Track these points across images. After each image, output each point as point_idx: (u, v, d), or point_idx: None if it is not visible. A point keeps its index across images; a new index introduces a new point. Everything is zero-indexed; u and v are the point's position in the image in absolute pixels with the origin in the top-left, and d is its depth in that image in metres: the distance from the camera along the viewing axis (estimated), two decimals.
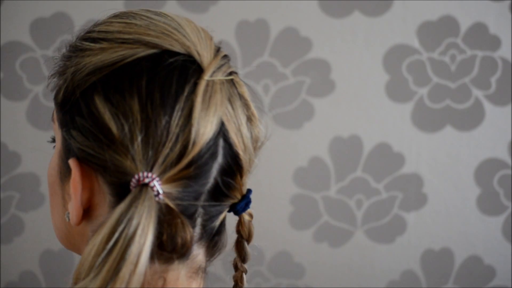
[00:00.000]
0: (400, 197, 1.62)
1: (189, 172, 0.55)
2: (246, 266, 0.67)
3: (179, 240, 0.55)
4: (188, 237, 0.56)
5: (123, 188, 0.55)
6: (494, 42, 1.58)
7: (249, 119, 0.60)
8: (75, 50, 0.60)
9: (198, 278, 0.60)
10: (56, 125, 0.62)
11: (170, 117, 0.55)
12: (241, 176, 0.59)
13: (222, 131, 0.57)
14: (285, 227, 1.61)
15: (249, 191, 0.61)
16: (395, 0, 1.56)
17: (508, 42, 1.58)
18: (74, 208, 0.58)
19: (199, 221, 0.58)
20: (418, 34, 1.57)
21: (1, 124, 1.55)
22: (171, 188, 0.55)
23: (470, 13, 1.57)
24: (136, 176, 0.54)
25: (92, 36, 0.60)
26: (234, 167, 0.58)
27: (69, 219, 0.60)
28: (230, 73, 0.60)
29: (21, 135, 1.56)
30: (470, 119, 1.61)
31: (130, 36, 0.58)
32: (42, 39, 1.53)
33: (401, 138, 1.60)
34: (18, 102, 1.55)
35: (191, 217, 0.57)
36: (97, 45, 0.58)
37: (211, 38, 0.61)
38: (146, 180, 0.53)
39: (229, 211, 0.61)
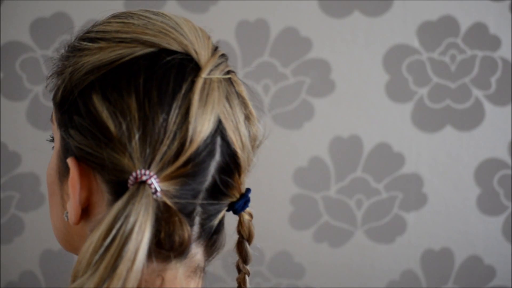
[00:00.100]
0: (400, 197, 1.62)
1: (186, 170, 0.55)
2: (248, 267, 0.67)
3: (177, 239, 0.55)
4: (186, 235, 0.56)
5: (121, 186, 0.55)
6: (494, 42, 1.58)
7: (247, 117, 0.60)
8: (73, 50, 0.60)
9: (197, 277, 0.60)
10: (55, 126, 0.62)
11: (168, 115, 0.55)
12: (239, 175, 0.59)
13: (219, 129, 0.57)
14: (285, 227, 1.61)
15: (248, 190, 0.61)
16: (395, 0, 1.56)
17: (508, 42, 1.58)
18: (72, 207, 0.58)
19: (197, 219, 0.58)
20: (418, 34, 1.57)
21: (1, 124, 1.55)
22: (169, 186, 0.55)
23: (470, 13, 1.57)
24: (134, 174, 0.54)
25: (90, 36, 0.60)
26: (232, 165, 0.58)
27: (67, 219, 0.60)
28: (228, 72, 0.60)
29: (21, 135, 1.56)
30: (470, 119, 1.61)
31: (128, 35, 0.59)
32: (42, 39, 1.53)
33: (401, 138, 1.60)
34: (18, 102, 1.55)
35: (189, 215, 0.57)
36: (95, 45, 0.59)
37: (208, 37, 0.61)
38: (144, 178, 0.53)
39: (228, 210, 0.61)
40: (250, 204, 0.62)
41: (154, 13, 0.61)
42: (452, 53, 1.58)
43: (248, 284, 0.67)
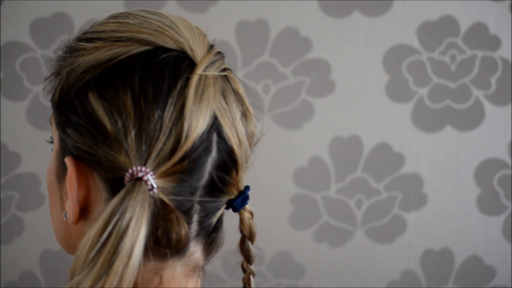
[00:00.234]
0: (400, 197, 1.62)
1: (183, 166, 0.55)
2: (252, 267, 0.67)
3: (174, 236, 0.55)
4: (183, 233, 0.56)
5: (118, 184, 0.55)
6: (494, 42, 1.58)
7: (244, 114, 0.60)
8: (70, 51, 0.61)
9: (195, 276, 0.60)
10: (53, 127, 0.62)
11: (163, 111, 0.55)
12: (237, 172, 0.59)
13: (215, 125, 0.57)
14: (285, 227, 1.61)
15: (246, 187, 0.61)
16: (395, 0, 1.56)
17: (508, 42, 1.58)
18: (71, 206, 0.58)
19: (195, 217, 0.58)
20: (418, 34, 1.57)
21: (1, 124, 1.55)
22: (166, 183, 0.55)
23: (470, 13, 1.57)
24: (130, 171, 0.54)
25: (87, 37, 0.61)
26: (229, 162, 0.58)
27: (66, 218, 0.60)
28: (224, 70, 0.60)
29: (21, 135, 1.56)
30: (470, 119, 1.61)
31: (124, 34, 0.59)
32: (42, 39, 1.53)
33: (401, 138, 1.60)
34: (18, 102, 1.55)
35: (187, 213, 0.57)
36: (91, 44, 0.59)
37: (204, 36, 0.62)
38: (140, 174, 0.54)
39: (227, 208, 0.61)
40: (250, 204, 0.62)
41: (150, 13, 0.62)
42: (452, 53, 1.58)
43: (253, 285, 0.67)
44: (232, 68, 0.63)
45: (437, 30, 1.58)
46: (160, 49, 0.58)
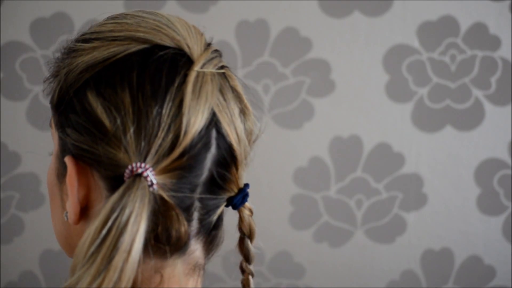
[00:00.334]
0: (400, 197, 1.62)
1: (182, 162, 0.55)
2: (252, 267, 0.66)
3: (174, 233, 0.56)
4: (183, 230, 0.56)
5: (117, 182, 0.55)
6: (494, 42, 1.58)
7: (242, 111, 0.60)
8: (68, 52, 0.61)
9: (196, 275, 0.60)
10: (53, 129, 0.63)
11: (161, 107, 0.55)
12: (237, 168, 0.59)
13: (214, 122, 0.57)
14: (285, 227, 1.61)
15: (246, 185, 0.61)
16: (395, 0, 1.56)
17: (508, 42, 1.58)
18: (71, 205, 0.58)
19: (196, 215, 0.58)
20: (418, 34, 1.57)
21: (1, 124, 1.55)
22: (165, 179, 0.55)
23: (470, 13, 1.57)
24: (130, 167, 0.54)
25: (85, 38, 0.61)
26: (228, 158, 0.58)
27: (67, 218, 0.60)
28: (222, 67, 0.60)
29: (21, 135, 1.56)
30: (470, 119, 1.61)
31: (121, 34, 0.59)
32: (42, 39, 1.53)
33: (401, 138, 1.60)
34: (18, 102, 1.55)
35: (188, 210, 0.57)
36: (89, 45, 0.60)
37: (202, 34, 0.62)
38: (139, 170, 0.54)
39: (227, 206, 0.61)
40: (250, 203, 0.62)
41: (147, 13, 0.62)
42: (452, 53, 1.58)
43: (252, 285, 0.67)
44: (231, 67, 0.63)
45: (437, 30, 1.58)
46: (158, 47, 0.58)
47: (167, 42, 0.59)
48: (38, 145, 1.53)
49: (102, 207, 0.53)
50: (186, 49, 0.58)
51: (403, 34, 1.57)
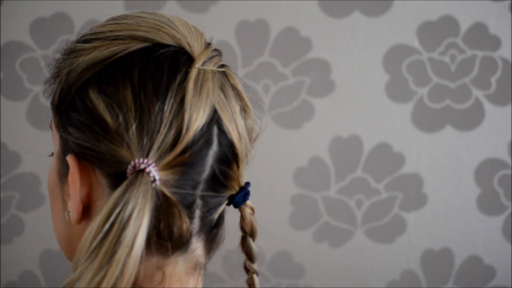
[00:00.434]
0: (400, 197, 1.62)
1: (184, 158, 0.55)
2: (255, 266, 0.66)
3: (176, 230, 0.56)
4: (185, 227, 0.56)
5: (120, 178, 0.55)
6: (494, 42, 1.58)
7: (243, 109, 0.61)
8: (69, 53, 0.62)
9: (196, 274, 0.60)
10: (54, 132, 0.63)
11: (163, 104, 0.56)
12: (238, 166, 0.60)
13: (215, 118, 0.58)
14: (285, 227, 1.61)
15: (247, 183, 0.61)
16: (395, 0, 1.56)
17: (508, 42, 1.58)
18: (73, 204, 0.58)
19: (197, 213, 0.58)
20: (418, 34, 1.57)
21: (1, 124, 1.55)
22: (168, 175, 0.55)
23: (470, 13, 1.57)
24: (132, 163, 0.54)
25: (85, 38, 0.61)
26: (230, 155, 0.59)
27: (69, 218, 0.60)
28: (222, 66, 0.61)
29: (21, 135, 1.56)
30: (470, 119, 1.61)
31: (122, 33, 0.60)
32: (42, 39, 1.53)
33: (401, 138, 1.60)
34: (18, 102, 1.55)
35: (190, 208, 0.57)
36: (90, 45, 0.60)
37: (202, 34, 0.62)
38: (142, 166, 0.54)
39: (228, 204, 0.62)
40: (249, 196, 0.62)
41: (147, 13, 0.63)
42: (452, 53, 1.58)
43: (257, 285, 0.67)
44: (231, 67, 0.63)
45: (437, 30, 1.58)
46: (158, 45, 0.59)
47: (168, 41, 0.59)
48: (38, 145, 1.53)
49: (105, 202, 0.53)
50: (187, 47, 0.59)
51: (403, 34, 1.57)
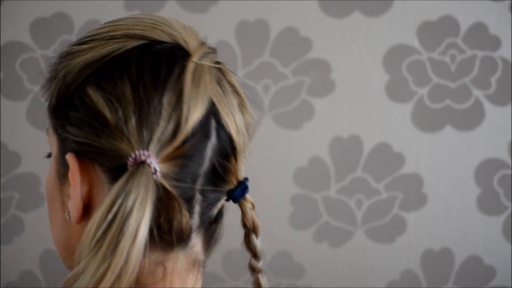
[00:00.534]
0: (400, 197, 1.62)
1: (184, 150, 0.56)
2: (260, 265, 0.66)
3: (176, 224, 0.56)
4: (184, 221, 0.57)
5: (120, 172, 0.55)
6: (494, 42, 1.58)
7: (240, 104, 0.62)
8: (65, 55, 0.62)
9: (195, 271, 0.61)
10: (51, 136, 0.63)
11: (162, 97, 0.56)
12: (236, 159, 0.60)
13: (213, 111, 0.58)
14: (285, 227, 1.61)
15: (246, 178, 0.62)
16: (395, 0, 1.56)
17: (508, 42, 1.58)
18: (74, 202, 0.58)
19: (197, 208, 0.59)
20: (418, 34, 1.57)
21: (1, 124, 1.55)
22: (168, 168, 0.56)
23: (470, 13, 1.57)
24: (133, 155, 0.55)
25: (81, 41, 0.62)
26: (228, 148, 0.59)
27: (69, 217, 0.60)
28: (218, 63, 0.62)
29: (21, 135, 1.56)
30: (470, 119, 1.61)
31: (118, 32, 0.61)
32: (42, 39, 1.53)
33: (401, 138, 1.60)
34: (18, 102, 1.55)
35: (189, 202, 0.58)
36: (86, 46, 0.61)
37: (197, 34, 0.63)
38: (143, 158, 0.54)
39: (227, 200, 0.62)
40: (248, 191, 0.63)
41: (143, 14, 0.64)
42: (452, 53, 1.58)
43: (264, 284, 0.67)
44: (231, 67, 0.64)
45: (437, 30, 1.58)
46: (155, 42, 0.60)
47: (164, 38, 0.60)
48: (38, 145, 1.53)
49: (107, 194, 0.54)
50: (183, 43, 0.60)
51: (403, 34, 1.57)
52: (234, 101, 0.60)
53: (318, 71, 1.57)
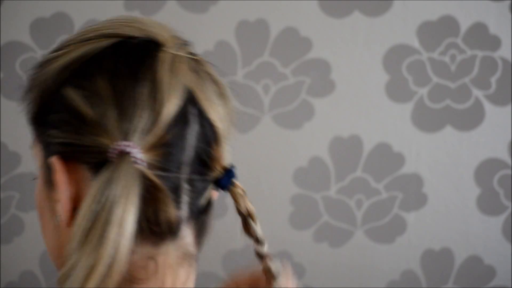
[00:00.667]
0: (400, 197, 1.62)
1: (165, 139, 0.56)
2: (265, 249, 0.65)
3: (163, 215, 0.56)
4: (172, 212, 0.57)
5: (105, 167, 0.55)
6: (494, 42, 1.58)
7: (219, 92, 0.62)
8: (41, 65, 0.64)
9: (186, 265, 0.61)
10: (36, 148, 0.63)
11: (139, 87, 0.57)
12: (218, 145, 0.60)
13: (192, 99, 0.59)
14: (285, 227, 1.61)
15: (231, 166, 0.62)
16: (395, 0, 1.56)
17: (508, 42, 1.58)
18: (63, 205, 0.58)
19: (185, 198, 0.59)
20: (418, 34, 1.57)
21: (1, 124, 1.55)
22: (151, 157, 0.56)
23: (470, 13, 1.57)
24: (115, 147, 0.55)
25: (56, 48, 0.63)
26: (209, 134, 0.60)
27: (59, 222, 0.60)
28: (193, 55, 0.62)
29: (21, 135, 1.56)
30: (470, 119, 1.61)
31: (91, 34, 0.61)
32: (42, 39, 1.53)
33: (401, 138, 1.60)
34: (18, 102, 1.55)
35: (176, 192, 0.58)
36: (62, 51, 0.62)
37: (172, 30, 0.64)
38: (125, 148, 0.55)
39: (216, 188, 0.62)
40: (235, 178, 0.62)
41: (116, 16, 0.64)
42: (452, 53, 1.58)
43: (277, 269, 0.66)
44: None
45: (437, 30, 1.58)
46: (128, 38, 0.60)
47: (137, 33, 0.61)
48: None
49: (92, 185, 0.54)
50: (156, 36, 0.61)
51: (403, 34, 1.57)
52: (213, 89, 0.61)
53: (318, 71, 1.57)
